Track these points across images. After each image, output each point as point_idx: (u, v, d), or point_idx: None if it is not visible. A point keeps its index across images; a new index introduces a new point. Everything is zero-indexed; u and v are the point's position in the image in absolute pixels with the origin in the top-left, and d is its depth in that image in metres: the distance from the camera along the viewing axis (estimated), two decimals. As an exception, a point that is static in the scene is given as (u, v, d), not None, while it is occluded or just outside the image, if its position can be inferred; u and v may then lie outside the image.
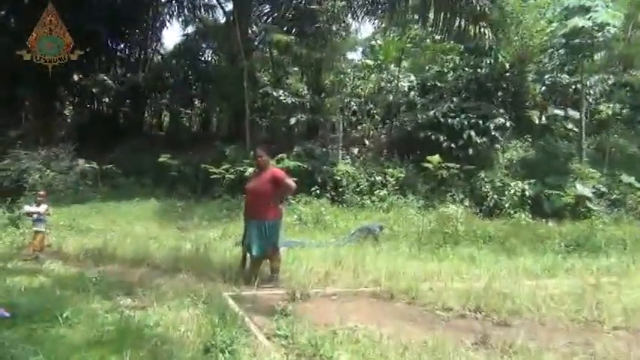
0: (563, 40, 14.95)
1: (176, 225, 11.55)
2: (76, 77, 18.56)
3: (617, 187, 14.68)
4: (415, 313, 5.74)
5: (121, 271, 6.97)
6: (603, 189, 14.57)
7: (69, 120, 21.72)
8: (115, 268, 7.23)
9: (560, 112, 17.28)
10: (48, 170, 15.17)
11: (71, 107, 22.09)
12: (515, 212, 11.75)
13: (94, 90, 20.11)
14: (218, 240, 9.43)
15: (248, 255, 6.70)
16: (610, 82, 18.05)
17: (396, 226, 10.54)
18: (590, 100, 17.31)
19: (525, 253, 8.78)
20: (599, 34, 13.32)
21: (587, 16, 13.27)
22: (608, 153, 15.78)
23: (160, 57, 24.18)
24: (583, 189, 14.14)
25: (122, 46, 21.20)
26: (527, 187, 12.73)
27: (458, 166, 11.64)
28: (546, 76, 17.27)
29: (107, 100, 21.63)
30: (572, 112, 17.49)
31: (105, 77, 19.06)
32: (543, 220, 12.64)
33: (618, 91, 17.15)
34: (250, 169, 10.54)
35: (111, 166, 15.77)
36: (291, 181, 6.66)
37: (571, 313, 5.61)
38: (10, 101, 18.45)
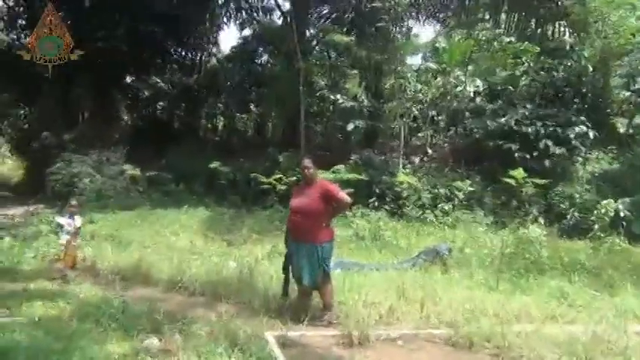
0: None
1: (223, 238, 10.71)
2: (128, 79, 18.28)
3: None
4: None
5: (152, 297, 6.13)
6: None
7: (124, 124, 21.56)
8: (147, 292, 6.43)
9: (646, 121, 15.41)
10: (98, 175, 14.78)
11: (126, 111, 21.94)
12: (607, 235, 10.23)
13: (146, 93, 19.84)
14: (266, 258, 8.48)
15: (291, 284, 5.74)
16: None
17: (467, 247, 9.25)
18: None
19: (627, 288, 7.34)
20: None
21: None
22: None
23: (215, 60, 23.76)
24: (679, 209, 12.35)
25: (178, 48, 20.81)
26: (621, 206, 11.12)
27: (544, 181, 10.17)
28: (633, 80, 15.43)
29: (162, 103, 21.35)
30: (662, 120, 15.59)
31: (158, 80, 18.71)
32: (630, 243, 11.03)
33: None
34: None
35: (159, 172, 15.23)
36: (345, 195, 5.68)
37: None
38: (66, 102, 18.35)
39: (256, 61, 22.58)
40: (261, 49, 22.43)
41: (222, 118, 24.26)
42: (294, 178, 12.98)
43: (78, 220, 7.63)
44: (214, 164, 15.04)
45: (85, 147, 16.09)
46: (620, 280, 7.65)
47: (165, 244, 9.55)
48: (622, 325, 5.57)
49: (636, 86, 15.29)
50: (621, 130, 15.67)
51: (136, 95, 20.29)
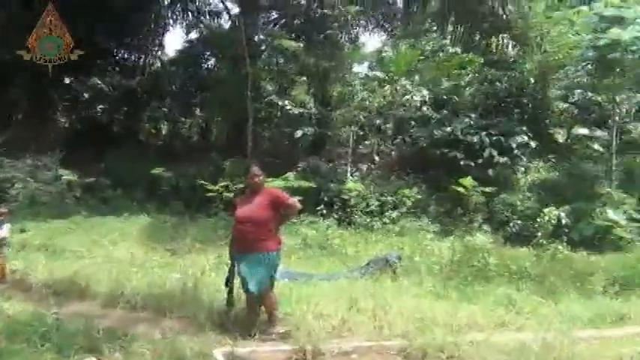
0: (592, 53, 13.73)
1: (165, 247, 10.26)
2: (67, 80, 17.38)
3: (650, 214, 13.40)
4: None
5: (90, 313, 5.70)
6: (636, 215, 13.28)
7: (61, 126, 20.48)
8: (83, 307, 5.98)
9: (585, 132, 16.04)
10: (32, 180, 13.93)
11: (64, 113, 20.83)
12: (550, 242, 10.50)
13: (86, 95, 18.98)
14: (212, 268, 8.14)
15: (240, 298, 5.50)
16: (638, 100, 16.85)
17: (416, 255, 9.25)
18: (617, 119, 16.05)
19: (570, 294, 7.50)
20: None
21: (630, 28, 12.08)
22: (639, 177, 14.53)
23: (160, 63, 23.06)
24: (614, 215, 12.87)
25: (120, 49, 20.02)
26: (562, 214, 11.46)
27: (491, 189, 10.31)
28: (571, 92, 16.07)
29: (102, 106, 20.46)
30: (598, 132, 16.27)
31: (98, 81, 17.91)
32: (571, 249, 11.38)
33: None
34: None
35: (97, 177, 14.52)
36: (295, 201, 5.54)
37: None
38: (1, 104, 17.27)
39: (202, 65, 22.05)
40: (208, 52, 21.92)
41: (165, 123, 23.54)
42: (242, 185, 12.65)
43: (4, 229, 7.07)
44: (156, 170, 14.49)
45: (18, 150, 15.14)
46: (563, 286, 7.82)
47: (103, 254, 9.05)
48: (569, 332, 5.65)
49: (574, 98, 15.91)
50: (560, 141, 16.25)
51: (74, 97, 19.32)
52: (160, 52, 23.49)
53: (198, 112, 22.93)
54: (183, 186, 14.70)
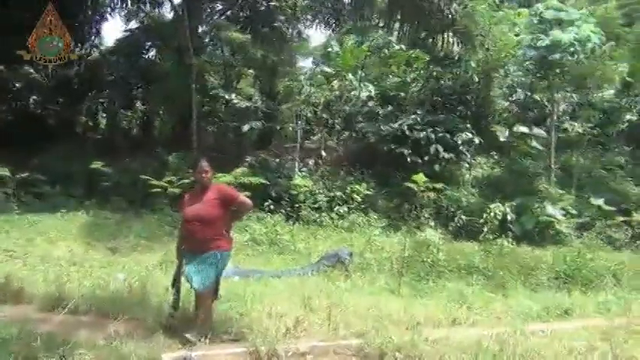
0: (533, 54, 14.18)
1: (107, 245, 9.78)
2: (-5, 68, 16.29)
3: (586, 210, 14.02)
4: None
5: (26, 318, 5.29)
6: (573, 211, 13.86)
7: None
8: (19, 311, 5.54)
9: (525, 130, 16.56)
10: (-43, 175, 12.98)
11: (-8, 104, 19.48)
12: (496, 237, 10.76)
13: (17, 84, 17.85)
14: (158, 267, 7.82)
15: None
16: (574, 100, 17.58)
17: (367, 252, 9.22)
18: (555, 118, 16.66)
19: (518, 288, 7.68)
20: (580, 49, 12.61)
21: (570, 29, 12.52)
22: (576, 174, 15.16)
23: (98, 52, 22.00)
24: (553, 211, 13.38)
25: (54, 37, 18.91)
26: (508, 209, 11.77)
27: (441, 186, 10.42)
28: (512, 91, 16.57)
29: (35, 97, 19.30)
30: (536, 130, 16.84)
31: (31, 70, 16.86)
32: (513, 243, 11.71)
33: (586, 110, 16.62)
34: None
35: (31, 173, 13.66)
36: (246, 199, 5.27)
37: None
38: None
39: (143, 55, 21.18)
40: (149, 43, 21.08)
41: (104, 115, 22.56)
42: (187, 180, 12.25)
43: None
44: (95, 164, 13.81)
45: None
46: (511, 280, 8.01)
47: (39, 254, 8.48)
48: (521, 326, 5.75)
49: (515, 97, 16.39)
50: (501, 138, 16.70)
51: (4, 86, 18.10)
52: (98, 41, 22.41)
53: (139, 104, 22.09)
54: (125, 181, 14.06)
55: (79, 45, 20.85)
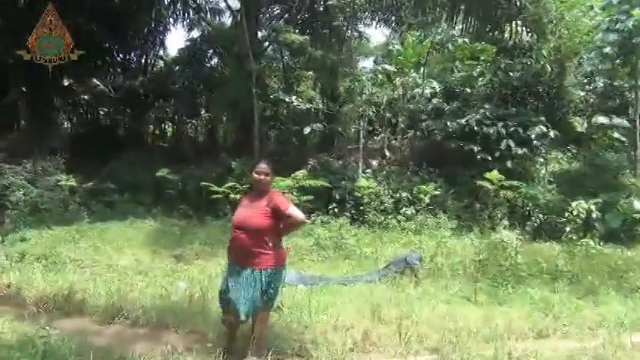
0: (614, 37, 13.04)
1: (172, 253, 9.74)
2: (66, 82, 16.87)
3: (679, 205, 12.72)
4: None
5: (86, 330, 5.20)
6: (663, 206, 12.61)
7: (63, 130, 20.00)
8: (79, 324, 5.46)
9: (605, 120, 15.35)
10: (32, 187, 13.47)
11: (66, 116, 20.32)
12: (581, 237, 9.90)
13: (86, 97, 18.49)
14: (220, 275, 7.58)
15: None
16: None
17: (437, 255, 8.65)
18: (638, 106, 15.33)
19: (609, 294, 6.91)
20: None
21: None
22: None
23: (162, 63, 22.55)
24: (641, 206, 12.22)
25: (121, 49, 19.49)
26: (593, 207, 10.83)
27: (518, 184, 9.61)
28: (591, 79, 15.41)
29: (105, 108, 19.97)
30: (617, 120, 15.57)
31: (98, 83, 17.40)
32: (595, 242, 10.73)
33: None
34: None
35: (101, 182, 14.01)
36: (298, 212, 4.58)
37: None
38: (1, 107, 16.82)
39: (205, 63, 21.49)
40: (211, 51, 21.37)
41: (170, 124, 23.09)
42: (248, 186, 12.12)
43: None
44: (162, 172, 13.98)
45: (19, 156, 14.69)
46: (600, 285, 7.24)
47: (106, 262, 8.51)
48: (617, 339, 5.09)
49: (594, 85, 15.25)
50: (579, 130, 15.60)
51: (75, 99, 18.82)
52: (162, 52, 23.02)
53: (203, 112, 22.45)
54: (189, 188, 14.17)
55: (144, 56, 21.49)
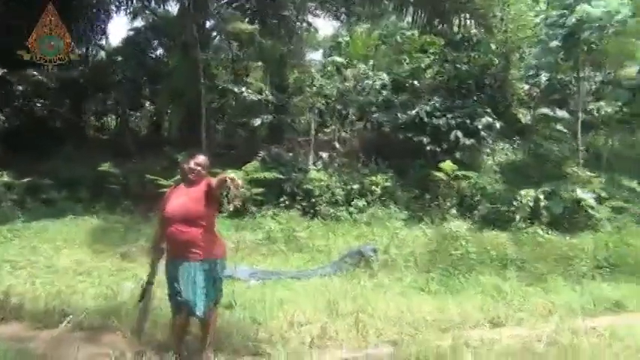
0: (560, 31, 13.40)
1: (117, 251, 9.29)
2: None
3: (617, 192, 13.27)
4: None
5: (24, 337, 4.81)
6: (604, 194, 13.10)
7: (-2, 123, 18.79)
8: (18, 329, 5.07)
9: (548, 112, 15.81)
10: (-39, 184, 12.60)
11: (-1, 109, 19.08)
12: (528, 226, 10.10)
13: (21, 87, 17.44)
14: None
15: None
16: (597, 79, 16.81)
17: (391, 247, 8.62)
18: (580, 98, 15.87)
19: (557, 280, 7.05)
20: (609, 24, 11.84)
21: (597, 3, 11.74)
22: (605, 155, 14.41)
23: (104, 52, 21.59)
24: (584, 194, 12.65)
25: (58, 38, 18.48)
26: (541, 195, 11.09)
27: (471, 173, 9.68)
28: (536, 72, 15.81)
29: (41, 99, 18.89)
30: (559, 112, 16.08)
31: (35, 72, 16.42)
32: (543, 231, 11.01)
33: (614, 90, 15.79)
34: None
35: (38, 178, 13.23)
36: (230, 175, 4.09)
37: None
38: None
39: (150, 54, 20.74)
40: (156, 41, 20.66)
41: (112, 116, 22.18)
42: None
43: None
44: (104, 166, 13.36)
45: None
46: (548, 272, 7.38)
47: (44, 263, 8.00)
48: (570, 324, 5.16)
49: (538, 79, 15.66)
50: (523, 122, 16.01)
51: (9, 90, 17.69)
52: (103, 41, 22.02)
53: (147, 104, 21.69)
54: (133, 183, 13.60)
55: (84, 46, 20.49)
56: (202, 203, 4.20)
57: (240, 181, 3.89)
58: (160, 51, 21.13)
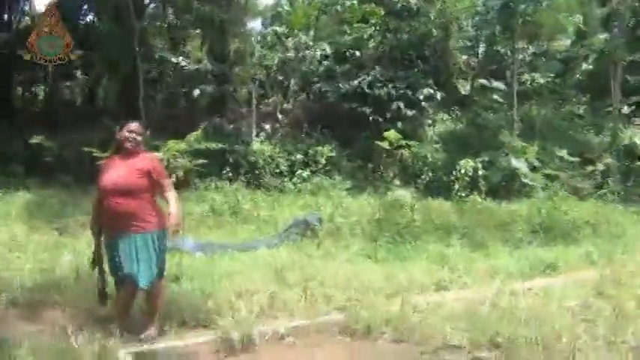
0: (496, 3, 13.72)
1: (52, 226, 8.91)
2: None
3: (549, 161, 13.92)
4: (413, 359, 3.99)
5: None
6: (537, 163, 13.71)
7: None
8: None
9: (486, 82, 16.26)
10: None
11: None
12: (468, 194, 10.44)
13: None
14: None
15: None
16: (531, 51, 17.38)
17: (336, 216, 8.70)
18: (515, 70, 16.37)
19: (497, 246, 7.34)
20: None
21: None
22: (538, 125, 15.01)
23: (28, 18, 20.30)
24: (518, 163, 13.19)
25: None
26: (480, 164, 11.45)
27: (413, 143, 9.81)
28: (471, 44, 16.17)
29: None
30: (496, 83, 16.57)
31: (-48, 40, 15.32)
32: (482, 198, 11.43)
33: (547, 61, 16.40)
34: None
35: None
36: (173, 191, 4.27)
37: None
38: None
39: (80, 20, 19.68)
40: (86, 6, 19.58)
41: (42, 86, 21.02)
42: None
43: None
44: (36, 139, 12.70)
45: None
46: (489, 238, 7.67)
47: (-24, 241, 7.56)
48: (510, 286, 5.39)
49: (477, 50, 16.02)
50: (462, 92, 16.40)
51: None
52: (28, 7, 20.69)
53: (79, 73, 20.66)
54: (68, 156, 13.03)
55: (7, 12, 19.22)
56: (143, 177, 4.08)
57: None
58: (90, 17, 20.09)
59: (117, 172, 4.10)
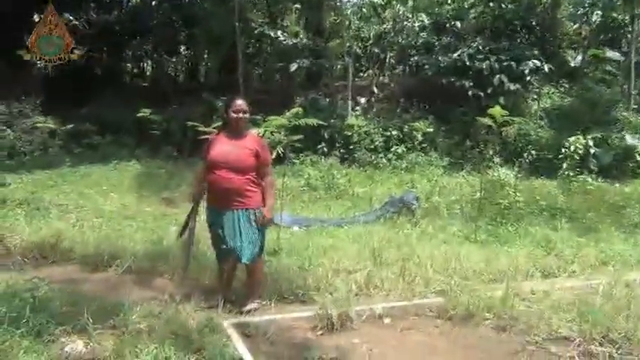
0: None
1: (161, 196, 9.44)
2: (36, 18, 15.84)
3: (671, 139, 12.65)
4: (516, 349, 3.80)
5: (75, 279, 4.94)
6: (655, 140, 12.52)
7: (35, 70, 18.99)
8: (69, 271, 5.20)
9: (598, 53, 15.00)
10: (9, 130, 12.90)
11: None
12: (577, 174, 9.74)
13: (57, 34, 17.48)
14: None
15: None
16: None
17: (434, 195, 8.48)
18: (634, 39, 14.94)
19: (610, 231, 6.81)
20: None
21: None
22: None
23: (137, -2, 21.34)
24: (634, 141, 12.13)
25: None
26: (591, 142, 10.66)
27: (518, 119, 9.24)
28: (589, 11, 14.91)
29: (81, 46, 18.93)
30: (610, 53, 15.26)
31: (71, 18, 16.39)
32: (592, 179, 10.61)
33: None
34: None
35: (81, 123, 13.44)
36: (271, 170, 4.40)
37: None
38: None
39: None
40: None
41: (149, 62, 22.15)
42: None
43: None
44: (144, 112, 13.42)
45: (-6, 98, 13.95)
46: (600, 222, 7.14)
47: (92, 207, 8.17)
48: (624, 276, 4.98)
49: (590, 18, 14.80)
50: (572, 64, 15.26)
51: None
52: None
53: (184, 49, 21.52)
54: (173, 129, 13.70)
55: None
56: (252, 157, 4.16)
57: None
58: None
59: (227, 148, 4.19)
